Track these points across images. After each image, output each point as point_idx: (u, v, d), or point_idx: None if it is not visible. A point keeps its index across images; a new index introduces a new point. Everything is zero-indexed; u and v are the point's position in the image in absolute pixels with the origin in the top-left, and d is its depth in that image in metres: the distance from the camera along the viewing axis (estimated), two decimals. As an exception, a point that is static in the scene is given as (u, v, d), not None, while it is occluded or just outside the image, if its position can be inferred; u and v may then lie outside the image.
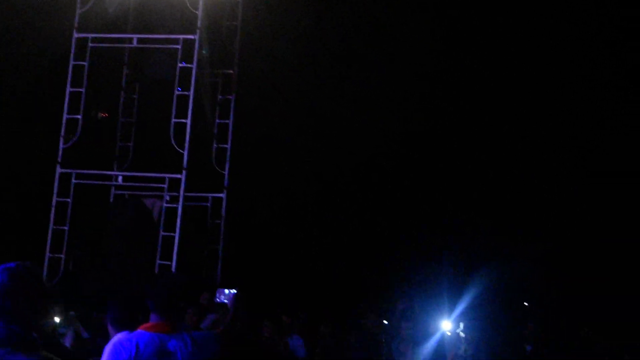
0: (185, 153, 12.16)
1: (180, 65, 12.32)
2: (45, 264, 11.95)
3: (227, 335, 5.28)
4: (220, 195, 13.55)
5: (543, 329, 10.67)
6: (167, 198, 12.36)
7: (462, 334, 10.62)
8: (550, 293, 14.67)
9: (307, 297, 13.09)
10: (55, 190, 12.24)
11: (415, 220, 16.07)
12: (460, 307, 10.94)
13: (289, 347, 10.24)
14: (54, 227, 12.16)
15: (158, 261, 11.80)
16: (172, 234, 11.99)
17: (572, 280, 14.95)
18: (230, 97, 14.12)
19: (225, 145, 13.84)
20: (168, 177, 12.31)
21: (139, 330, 4.41)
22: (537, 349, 10.27)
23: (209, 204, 13.42)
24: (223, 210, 13.33)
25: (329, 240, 15.29)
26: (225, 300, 8.65)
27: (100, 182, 12.90)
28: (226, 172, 13.66)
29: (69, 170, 12.31)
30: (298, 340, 10.54)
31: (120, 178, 12.96)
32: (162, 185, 12.38)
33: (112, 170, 13.34)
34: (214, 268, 12.73)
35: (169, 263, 11.63)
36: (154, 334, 4.36)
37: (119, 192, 13.45)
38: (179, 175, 12.21)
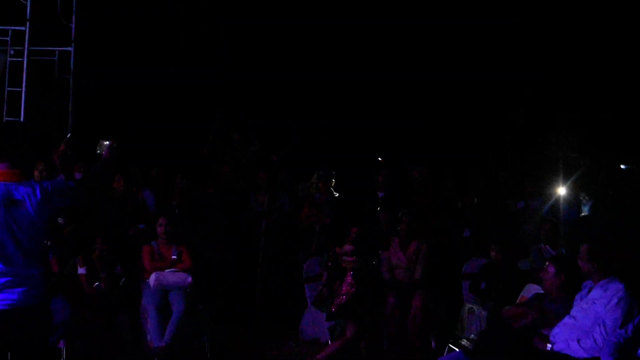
0: (28, 4, 11.73)
1: None
2: None
3: (81, 184, 5.26)
4: (68, 49, 13.14)
5: (393, 177, 11.35)
6: (12, 52, 11.99)
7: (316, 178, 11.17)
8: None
9: (159, 151, 13.20)
10: None
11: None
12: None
13: (141, 198, 10.53)
14: None
15: (5, 118, 11.58)
16: (18, 89, 11.75)
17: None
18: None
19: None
20: (11, 30, 11.91)
21: (-15, 179, 4.41)
22: (387, 194, 10.97)
23: (56, 58, 13.01)
24: (71, 64, 12.97)
25: (183, 89, 15.04)
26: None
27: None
28: (73, 25, 13.18)
29: None
30: (147, 192, 10.81)
31: (-41, 31, 12.37)
32: (6, 39, 11.99)
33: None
34: (64, 123, 12.52)
35: (16, 119, 11.43)
36: (0, 182, 4.37)
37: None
38: (22, 28, 11.82)
